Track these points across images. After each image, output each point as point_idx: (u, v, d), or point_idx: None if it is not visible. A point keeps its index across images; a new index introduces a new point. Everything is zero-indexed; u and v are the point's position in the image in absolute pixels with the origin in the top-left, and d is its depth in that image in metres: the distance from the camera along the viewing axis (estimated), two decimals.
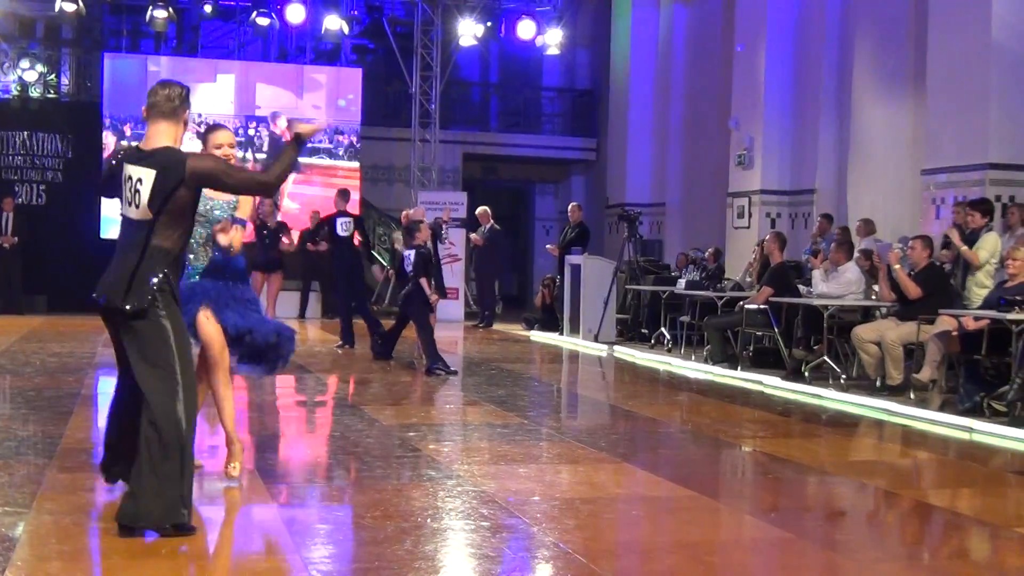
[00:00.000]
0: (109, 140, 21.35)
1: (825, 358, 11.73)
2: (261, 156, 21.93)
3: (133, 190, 5.10)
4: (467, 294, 21.91)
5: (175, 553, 4.74)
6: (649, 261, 18.43)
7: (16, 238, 19.89)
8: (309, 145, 22.79)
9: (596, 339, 16.12)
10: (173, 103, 5.34)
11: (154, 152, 5.15)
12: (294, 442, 8.21)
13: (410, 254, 12.69)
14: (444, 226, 17.30)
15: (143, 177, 5.06)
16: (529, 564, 4.81)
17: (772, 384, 11.62)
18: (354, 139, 22.64)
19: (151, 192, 5.04)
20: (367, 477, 6.49)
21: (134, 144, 5.41)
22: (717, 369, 12.91)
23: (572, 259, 17.20)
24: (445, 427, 8.68)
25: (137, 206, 5.08)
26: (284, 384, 11.40)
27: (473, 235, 19.84)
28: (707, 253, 16.90)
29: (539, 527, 5.36)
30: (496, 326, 19.81)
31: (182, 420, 4.93)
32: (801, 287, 12.95)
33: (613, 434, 8.55)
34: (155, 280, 5.01)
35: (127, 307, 5.01)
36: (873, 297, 12.07)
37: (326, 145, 22.32)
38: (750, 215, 18.61)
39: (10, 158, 21.14)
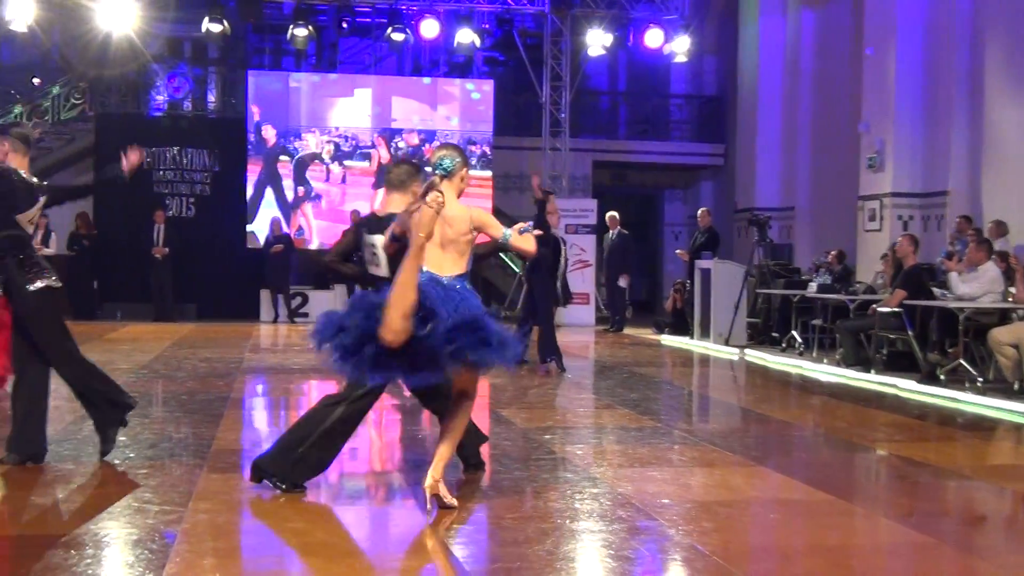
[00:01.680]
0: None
1: (961, 361, 11.43)
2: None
3: (372, 254, 6.19)
4: (598, 299, 21.88)
5: (322, 549, 4.83)
6: (779, 265, 18.18)
7: (167, 249, 20.47)
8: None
9: (727, 343, 15.97)
10: (402, 179, 6.30)
11: (388, 219, 5.97)
12: (434, 444, 8.28)
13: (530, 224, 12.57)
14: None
15: (375, 242, 6.09)
16: (667, 565, 4.78)
17: (907, 387, 11.38)
18: (486, 149, 22.78)
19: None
20: (505, 479, 6.52)
21: (370, 213, 6.52)
22: (850, 372, 12.69)
23: (702, 264, 17.08)
24: (580, 430, 8.67)
25: (377, 266, 6.10)
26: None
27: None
28: (830, 256, 16.59)
29: (676, 529, 5.33)
30: (627, 330, 19.74)
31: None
32: (935, 290, 12.66)
33: (747, 437, 8.46)
34: None
35: None
36: (1010, 299, 11.73)
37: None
38: (881, 218, 18.23)
39: (161, 172, 21.75)
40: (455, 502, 5.66)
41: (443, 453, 5.66)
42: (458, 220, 5.65)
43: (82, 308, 20.04)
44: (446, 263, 5.61)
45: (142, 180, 21.34)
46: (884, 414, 9.86)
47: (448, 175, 5.73)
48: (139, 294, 20.76)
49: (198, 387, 10.79)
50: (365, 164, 22.29)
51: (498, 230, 5.74)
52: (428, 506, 5.60)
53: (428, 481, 5.60)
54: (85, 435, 7.44)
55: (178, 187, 21.79)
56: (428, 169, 5.86)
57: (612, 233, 20.17)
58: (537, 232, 6.06)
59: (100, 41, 21.28)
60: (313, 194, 22.11)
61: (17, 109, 22.53)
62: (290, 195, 22.03)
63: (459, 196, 5.81)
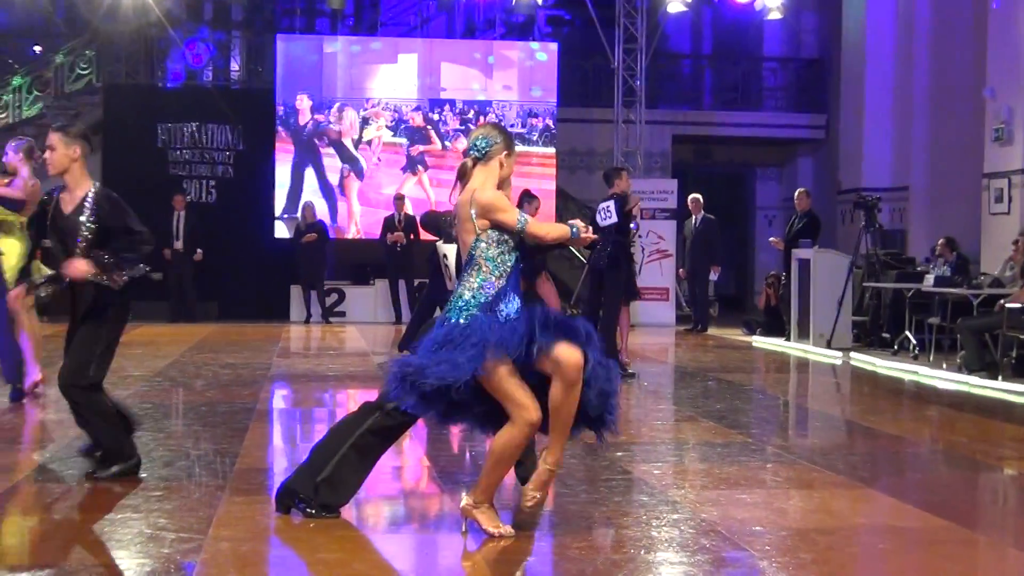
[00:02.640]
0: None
1: None
2: (443, 144, 22.26)
3: (444, 265, 6.70)
4: (678, 295, 21.81)
5: None
6: (890, 254, 18.01)
7: (199, 251, 20.56)
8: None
9: (829, 345, 15.86)
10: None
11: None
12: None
13: (608, 205, 12.68)
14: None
15: (448, 252, 6.50)
16: None
17: None
18: (550, 122, 22.77)
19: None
20: (571, 503, 6.52)
21: (431, 211, 7.29)
22: (973, 379, 12.56)
23: (800, 253, 16.96)
24: (657, 446, 8.65)
25: (450, 279, 6.48)
26: None
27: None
28: (938, 243, 16.39)
29: (769, 561, 5.30)
30: (712, 331, 19.66)
31: None
32: None
33: (852, 455, 8.40)
34: None
35: None
36: None
37: (518, 130, 22.52)
38: (1010, 199, 18.02)
39: (178, 152, 21.93)
40: (499, 530, 5.64)
41: (487, 474, 5.68)
42: (463, 204, 5.67)
43: None
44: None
45: (157, 161, 21.58)
46: (1013, 427, 9.76)
47: (483, 158, 5.71)
48: (154, 291, 20.96)
49: (220, 397, 10.88)
50: (406, 142, 22.34)
51: (510, 215, 5.63)
52: (464, 528, 5.70)
53: (465, 502, 5.69)
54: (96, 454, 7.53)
55: (197, 168, 21.99)
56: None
57: (695, 218, 20.10)
58: (589, 236, 5.88)
59: (110, 2, 21.54)
60: (363, 173, 22.19)
61: (16, 80, 22.85)
62: (334, 178, 22.14)
63: (501, 184, 5.77)
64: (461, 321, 5.46)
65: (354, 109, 22.27)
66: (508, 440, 5.55)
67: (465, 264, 5.67)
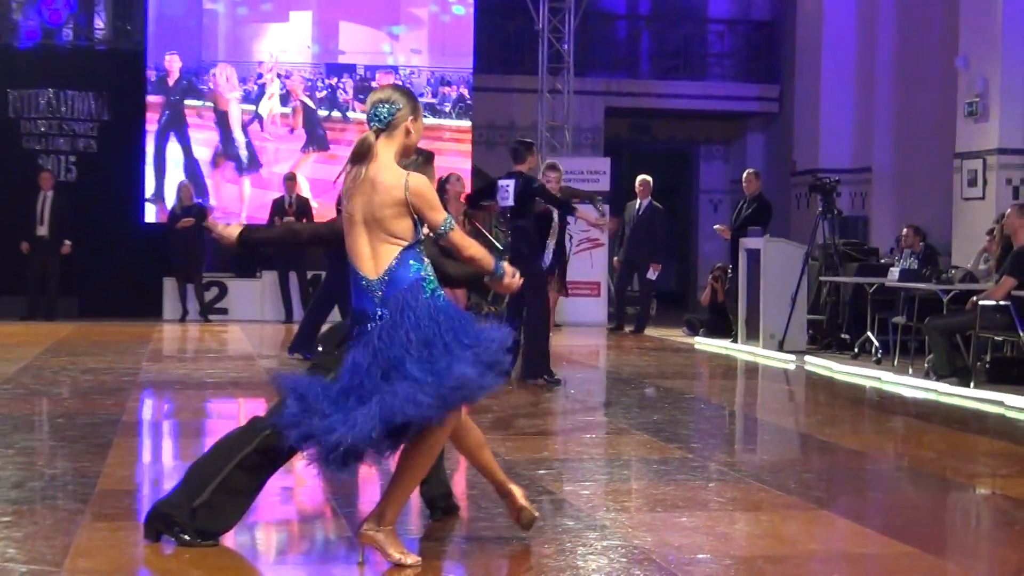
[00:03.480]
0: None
1: None
2: (344, 115, 22.18)
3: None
4: (610, 290, 21.88)
5: None
6: (851, 244, 18.21)
7: (47, 230, 20.31)
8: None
9: (781, 347, 15.98)
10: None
11: None
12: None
13: (507, 184, 12.64)
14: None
15: None
16: None
17: (1016, 405, 11.39)
18: (465, 91, 22.75)
19: None
20: (486, 528, 6.51)
21: None
22: (943, 386, 12.70)
23: (748, 243, 17.07)
24: (585, 463, 8.67)
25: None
26: None
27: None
28: (903, 232, 16.58)
29: None
30: (649, 331, 19.75)
31: None
32: None
33: (805, 472, 8.47)
34: None
35: None
36: None
37: (428, 99, 22.48)
38: (985, 182, 18.27)
39: (32, 124, 21.61)
40: (404, 559, 5.61)
41: (392, 494, 5.66)
42: (387, 188, 5.54)
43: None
44: (377, 255, 5.60)
45: (7, 133, 21.28)
46: (987, 440, 9.87)
47: (387, 128, 5.63)
48: (6, 283, 20.70)
49: (80, 407, 10.76)
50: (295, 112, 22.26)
51: (438, 213, 5.57)
52: (360, 559, 5.68)
53: (363, 527, 5.64)
54: None
55: (54, 142, 21.70)
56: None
57: (640, 204, 20.06)
58: (514, 283, 5.90)
59: None
60: (246, 157, 22.06)
61: None
62: (204, 151, 21.99)
63: (405, 155, 5.75)
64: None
65: (237, 75, 22.12)
66: (429, 448, 5.56)
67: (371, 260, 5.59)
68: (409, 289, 5.50)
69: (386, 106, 5.62)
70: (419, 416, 5.33)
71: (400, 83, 5.66)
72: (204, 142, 22.03)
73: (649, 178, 20.32)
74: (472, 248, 5.69)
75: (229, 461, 5.93)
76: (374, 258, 5.56)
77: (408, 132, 5.67)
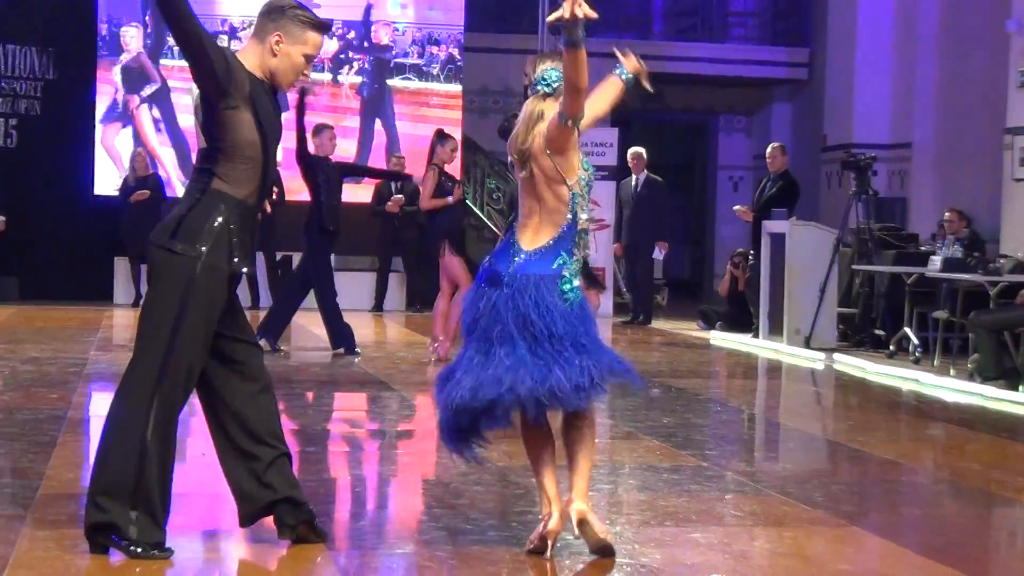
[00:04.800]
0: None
1: None
2: (338, 77, 22.17)
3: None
4: (616, 277, 21.87)
5: None
6: (887, 229, 18.20)
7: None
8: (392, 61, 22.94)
9: (808, 344, 15.98)
10: None
11: None
12: (371, 491, 8.29)
13: None
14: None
15: None
16: None
17: None
18: (455, 51, 22.74)
19: None
20: (476, 541, 6.52)
21: None
22: (989, 389, 12.71)
23: (772, 226, 17.07)
24: None
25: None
26: (354, 406, 11.51)
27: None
28: (945, 216, 16.58)
29: None
30: (657, 323, 19.76)
31: None
32: None
33: (834, 484, 8.47)
34: None
35: None
36: None
37: (413, 60, 22.47)
38: None
39: None
40: (607, 535, 6.18)
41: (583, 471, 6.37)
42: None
43: None
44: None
45: None
46: None
47: (554, 93, 6.26)
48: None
49: (20, 401, 10.76)
50: None
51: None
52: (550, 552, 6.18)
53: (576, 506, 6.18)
54: None
55: None
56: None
57: (636, 179, 20.10)
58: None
59: None
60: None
61: None
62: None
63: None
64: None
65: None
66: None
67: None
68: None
69: (555, 72, 6.27)
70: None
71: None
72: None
73: (642, 150, 20.28)
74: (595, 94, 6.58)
75: (138, 450, 5.89)
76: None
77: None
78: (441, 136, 14.82)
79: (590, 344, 6.13)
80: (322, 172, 14.57)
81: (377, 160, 21.80)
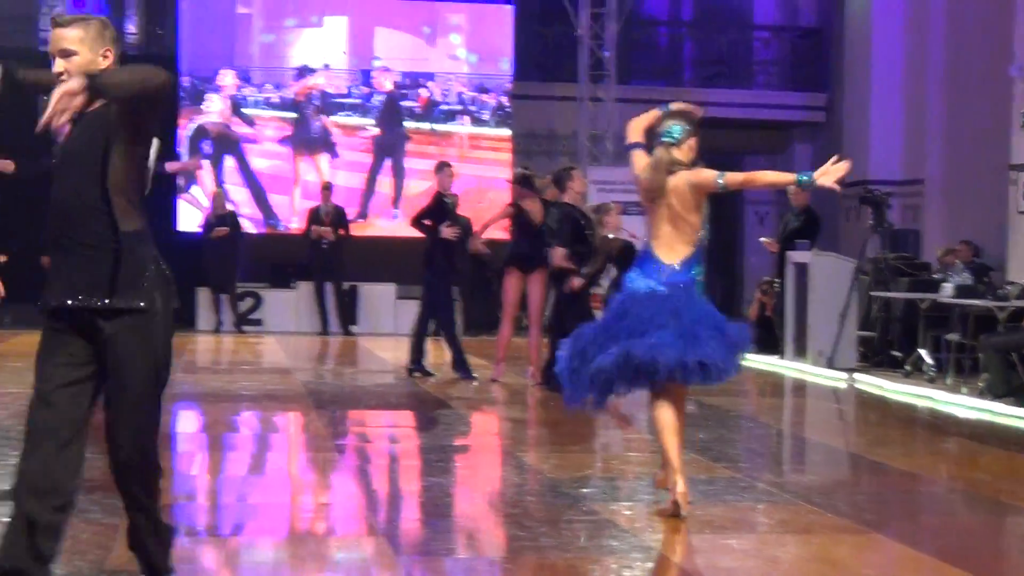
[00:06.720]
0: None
1: None
2: (370, 122, 22.27)
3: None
4: None
5: None
6: (902, 259, 18.12)
7: None
8: (444, 107, 22.92)
9: (830, 364, 15.93)
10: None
11: None
12: (431, 501, 8.29)
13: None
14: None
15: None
16: None
17: None
18: (503, 99, 22.79)
19: None
20: (528, 548, 6.52)
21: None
22: (998, 406, 12.64)
23: (796, 256, 17.03)
24: (630, 482, 8.69)
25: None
26: (415, 423, 11.54)
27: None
28: (958, 247, 16.49)
29: None
30: None
31: None
32: None
33: (857, 494, 8.48)
34: None
35: None
36: None
37: (467, 108, 22.53)
38: None
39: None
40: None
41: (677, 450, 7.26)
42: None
43: None
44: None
45: (42, 139, 21.36)
46: None
47: (677, 144, 7.22)
48: (37, 294, 20.76)
49: None
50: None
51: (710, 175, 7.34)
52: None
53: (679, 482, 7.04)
54: None
55: None
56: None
57: None
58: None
59: None
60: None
61: None
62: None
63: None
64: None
65: (271, 82, 22.26)
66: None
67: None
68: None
69: (678, 127, 7.30)
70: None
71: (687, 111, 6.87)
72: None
73: None
74: (762, 175, 8.08)
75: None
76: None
77: (691, 148, 7.34)
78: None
79: (726, 332, 7.21)
80: (443, 209, 14.48)
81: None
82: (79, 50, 5.05)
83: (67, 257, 5.18)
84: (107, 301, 5.08)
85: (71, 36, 5.05)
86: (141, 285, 5.22)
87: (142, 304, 5.16)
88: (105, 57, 5.10)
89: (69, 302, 5.11)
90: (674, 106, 7.61)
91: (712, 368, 7.02)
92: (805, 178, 7.35)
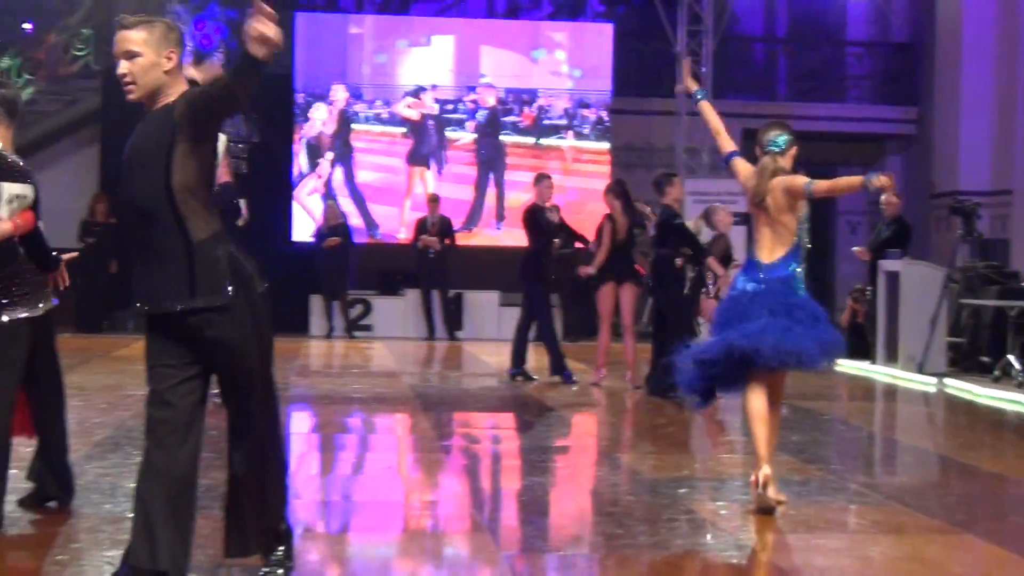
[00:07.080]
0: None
1: None
2: (474, 136, 22.35)
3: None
4: None
5: None
6: (991, 267, 17.91)
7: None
8: (547, 121, 22.97)
9: (920, 370, 15.78)
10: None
11: None
12: (532, 500, 8.29)
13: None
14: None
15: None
16: None
17: None
18: (603, 114, 22.80)
19: None
20: (628, 545, 6.52)
21: None
22: None
23: (887, 265, 16.90)
24: (726, 482, 8.64)
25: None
26: (517, 425, 11.56)
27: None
28: None
29: None
30: None
31: None
32: None
33: (947, 495, 8.39)
34: None
35: None
36: None
37: (568, 122, 22.54)
38: None
39: None
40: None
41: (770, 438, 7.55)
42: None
43: (88, 318, 20.38)
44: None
45: None
46: None
47: (782, 153, 7.51)
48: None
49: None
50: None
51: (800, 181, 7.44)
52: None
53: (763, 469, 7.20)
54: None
55: None
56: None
57: None
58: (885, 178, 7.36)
59: None
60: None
61: (5, 62, 22.99)
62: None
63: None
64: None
65: (381, 99, 22.42)
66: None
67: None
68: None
69: (783, 137, 7.58)
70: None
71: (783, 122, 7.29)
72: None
73: None
74: (840, 180, 7.86)
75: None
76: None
77: (792, 158, 7.59)
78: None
79: (823, 322, 7.45)
80: (543, 220, 14.57)
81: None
82: (143, 51, 5.04)
83: (146, 264, 5.23)
84: (187, 305, 5.14)
85: (136, 38, 5.04)
86: (219, 284, 5.25)
87: (222, 302, 5.23)
88: (169, 59, 5.09)
89: (154, 309, 5.20)
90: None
91: (805, 354, 7.24)
92: (872, 176, 7.35)
